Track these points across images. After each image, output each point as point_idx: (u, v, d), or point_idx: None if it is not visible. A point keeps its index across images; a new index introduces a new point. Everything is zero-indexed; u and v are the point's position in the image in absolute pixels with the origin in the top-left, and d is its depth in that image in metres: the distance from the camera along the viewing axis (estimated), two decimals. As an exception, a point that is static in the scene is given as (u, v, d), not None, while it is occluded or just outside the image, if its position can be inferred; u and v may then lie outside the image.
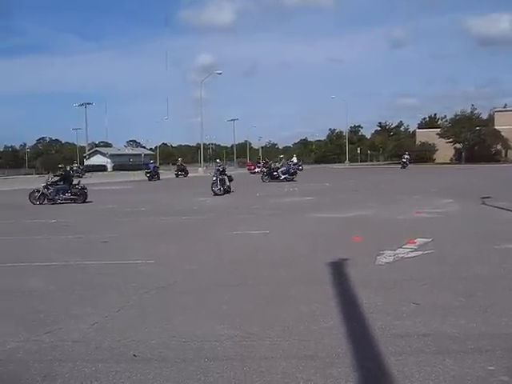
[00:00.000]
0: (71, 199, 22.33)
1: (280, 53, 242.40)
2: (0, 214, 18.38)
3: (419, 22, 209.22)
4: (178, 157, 60.89)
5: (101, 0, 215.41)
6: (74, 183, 23.22)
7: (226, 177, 25.65)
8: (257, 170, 54.83)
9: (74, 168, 57.17)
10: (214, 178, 25.04)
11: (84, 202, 22.20)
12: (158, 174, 48.68)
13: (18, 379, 4.24)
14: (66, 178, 22.90)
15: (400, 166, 62.36)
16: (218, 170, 25.55)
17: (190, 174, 52.08)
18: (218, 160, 37.27)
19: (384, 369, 4.25)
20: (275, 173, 35.86)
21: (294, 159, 60.42)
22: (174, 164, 58.52)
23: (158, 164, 67.18)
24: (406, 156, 64.63)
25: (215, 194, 24.20)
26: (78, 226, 14.68)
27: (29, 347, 4.95)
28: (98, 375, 4.27)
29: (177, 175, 51.37)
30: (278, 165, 37.60)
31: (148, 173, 47.99)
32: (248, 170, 60.23)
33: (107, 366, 4.45)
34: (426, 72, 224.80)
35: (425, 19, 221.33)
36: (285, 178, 35.25)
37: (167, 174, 55.59)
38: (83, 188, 22.85)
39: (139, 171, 58.30)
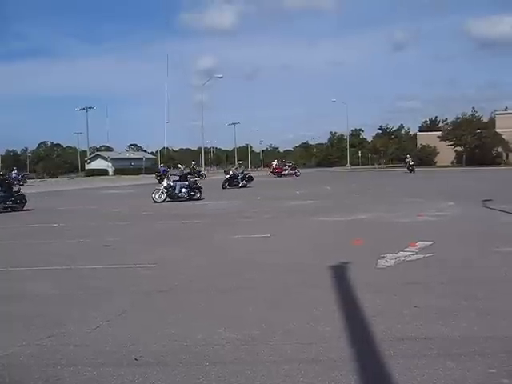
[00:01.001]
0: (11, 208, 20.91)
1: (281, 56, 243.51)
2: None
3: (420, 24, 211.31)
4: (178, 163, 60.82)
5: (102, 4, 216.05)
6: (14, 190, 21.89)
7: (185, 182, 24.92)
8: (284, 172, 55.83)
9: (14, 175, 53.28)
10: (162, 186, 24.63)
11: (22, 209, 20.95)
12: (168, 177, 49.10)
13: (19, 383, 4.25)
14: (3, 185, 21.24)
15: (406, 170, 56.23)
16: (166, 175, 25.63)
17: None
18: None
19: (386, 372, 4.25)
20: (235, 180, 35.43)
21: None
22: (175, 167, 58.48)
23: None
24: (408, 158, 58.55)
25: (155, 202, 23.51)
26: (78, 229, 14.70)
27: (31, 351, 4.96)
28: (100, 379, 4.28)
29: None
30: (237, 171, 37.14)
31: (158, 176, 49.08)
32: (273, 173, 57.84)
33: (109, 369, 4.46)
34: (427, 74, 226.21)
35: (426, 21, 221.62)
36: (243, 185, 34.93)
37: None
38: (22, 195, 21.63)
39: (140, 175, 58.37)
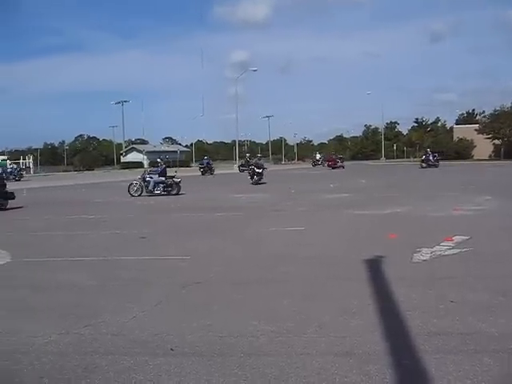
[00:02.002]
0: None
1: (315, 48, 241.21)
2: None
3: (457, 16, 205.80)
4: (204, 156, 60.82)
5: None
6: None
7: (162, 178, 24.41)
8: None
9: (9, 170, 51.65)
10: (137, 181, 24.33)
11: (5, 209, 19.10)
12: (211, 169, 51.23)
13: (59, 370, 4.35)
14: None
15: (422, 165, 51.81)
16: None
17: (224, 171, 52.72)
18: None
19: (421, 367, 4.22)
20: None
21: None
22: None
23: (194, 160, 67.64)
24: (429, 154, 53.72)
25: (131, 195, 23.44)
26: (113, 221, 14.93)
27: (69, 339, 5.08)
28: (136, 368, 4.35)
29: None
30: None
31: (201, 168, 50.38)
32: (328, 166, 60.24)
33: (145, 359, 4.53)
34: (463, 66, 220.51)
35: (463, 12, 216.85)
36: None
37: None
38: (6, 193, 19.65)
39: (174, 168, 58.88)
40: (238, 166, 48.82)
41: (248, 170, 33.93)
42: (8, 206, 19.20)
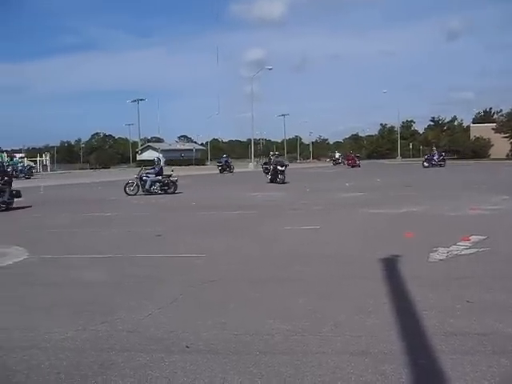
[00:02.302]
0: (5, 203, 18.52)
1: (330, 46, 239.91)
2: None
3: (474, 13, 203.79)
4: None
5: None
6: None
7: (159, 177, 24.34)
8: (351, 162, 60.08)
9: (20, 168, 50.22)
10: (131, 180, 24.40)
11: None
12: (229, 166, 51.87)
13: (76, 366, 4.39)
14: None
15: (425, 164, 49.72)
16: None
17: (239, 170, 52.89)
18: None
19: (437, 367, 4.19)
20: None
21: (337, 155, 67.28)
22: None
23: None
24: (434, 153, 51.95)
25: (128, 195, 23.51)
26: (128, 219, 15.01)
27: (86, 336, 5.12)
28: (152, 365, 4.38)
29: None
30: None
31: (220, 166, 50.76)
32: (347, 164, 60.96)
33: (161, 356, 4.55)
34: (480, 64, 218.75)
35: (480, 10, 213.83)
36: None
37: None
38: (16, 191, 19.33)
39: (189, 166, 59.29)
40: (262, 165, 49.09)
41: (268, 170, 32.85)
42: (16, 205, 18.61)
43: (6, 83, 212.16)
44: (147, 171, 24.88)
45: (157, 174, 24.44)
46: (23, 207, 18.88)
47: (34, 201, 20.86)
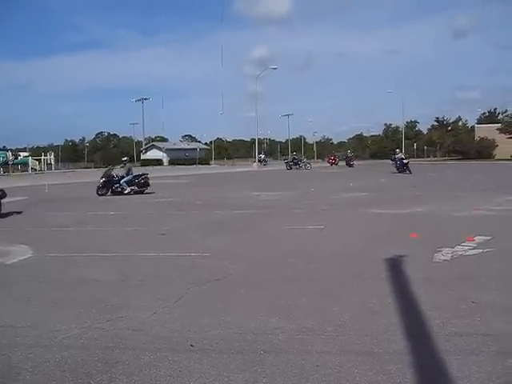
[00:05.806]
0: None
1: (336, 45, 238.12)
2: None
3: (481, 12, 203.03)
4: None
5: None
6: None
7: (129, 177, 24.14)
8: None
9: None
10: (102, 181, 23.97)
11: None
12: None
13: (80, 364, 4.40)
14: None
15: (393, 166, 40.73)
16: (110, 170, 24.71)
17: (242, 169, 53.25)
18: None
19: (442, 367, 4.19)
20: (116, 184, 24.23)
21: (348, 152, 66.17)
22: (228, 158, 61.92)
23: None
24: (398, 154, 41.48)
25: (99, 195, 23.24)
26: (133, 218, 15.02)
27: (91, 334, 5.13)
28: (157, 363, 4.39)
29: None
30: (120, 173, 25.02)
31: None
32: (328, 162, 64.39)
33: (165, 354, 4.57)
34: (487, 64, 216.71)
35: (487, 8, 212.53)
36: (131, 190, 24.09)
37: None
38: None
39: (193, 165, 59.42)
40: (285, 163, 53.69)
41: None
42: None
43: (10, 81, 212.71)
44: (117, 172, 24.72)
45: (127, 174, 24.38)
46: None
47: (41, 199, 20.90)
